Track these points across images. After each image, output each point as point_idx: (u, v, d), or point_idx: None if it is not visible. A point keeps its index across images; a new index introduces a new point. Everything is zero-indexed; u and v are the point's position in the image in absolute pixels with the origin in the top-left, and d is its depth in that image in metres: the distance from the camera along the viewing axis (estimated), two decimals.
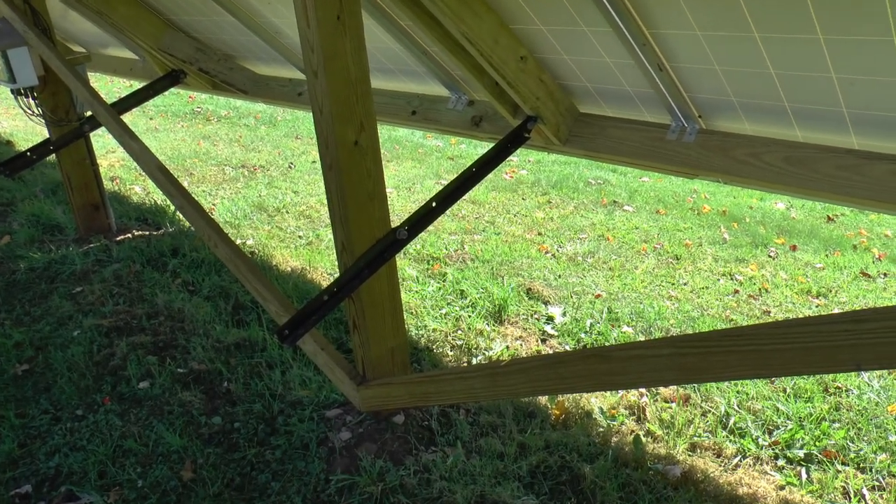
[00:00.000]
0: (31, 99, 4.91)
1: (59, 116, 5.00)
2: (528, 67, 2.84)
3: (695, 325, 4.12)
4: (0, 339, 3.91)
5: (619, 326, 4.05)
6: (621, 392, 3.42)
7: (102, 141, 8.57)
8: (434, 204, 2.93)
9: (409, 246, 5.00)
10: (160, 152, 8.26)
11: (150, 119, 10.60)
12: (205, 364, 3.65)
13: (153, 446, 3.07)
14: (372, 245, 2.81)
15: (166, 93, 11.76)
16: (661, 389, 3.47)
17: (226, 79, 5.03)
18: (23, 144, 8.25)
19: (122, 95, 5.00)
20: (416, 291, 4.48)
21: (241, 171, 7.58)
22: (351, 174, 2.68)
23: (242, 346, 3.82)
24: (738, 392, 3.42)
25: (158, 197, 6.42)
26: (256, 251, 5.18)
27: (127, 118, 10.46)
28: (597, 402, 3.36)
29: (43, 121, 5.00)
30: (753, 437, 3.13)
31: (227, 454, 3.02)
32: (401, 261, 4.96)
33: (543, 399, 3.41)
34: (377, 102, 3.91)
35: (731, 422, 3.21)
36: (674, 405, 3.35)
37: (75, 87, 4.38)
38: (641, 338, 3.90)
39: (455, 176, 2.98)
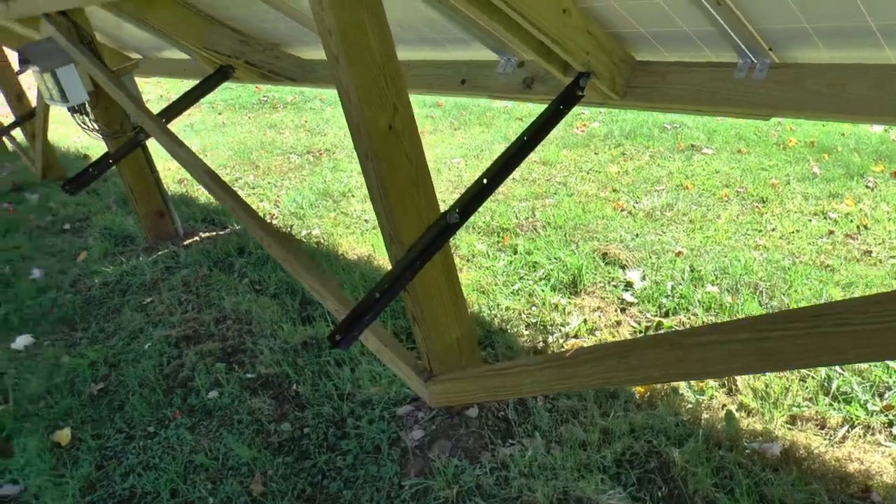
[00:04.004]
0: (84, 115, 4.89)
1: (113, 129, 4.97)
2: (573, 21, 2.58)
3: (786, 275, 3.79)
4: (76, 359, 3.92)
5: (702, 286, 3.77)
6: None
7: None
8: (485, 181, 2.73)
9: (477, 219, 4.81)
10: (227, 147, 8.28)
11: (219, 114, 10.64)
12: (272, 367, 3.56)
13: (223, 459, 2.99)
14: (421, 234, 2.63)
15: (233, 86, 11.85)
16: None
17: (272, 68, 4.91)
18: (97, 157, 8.39)
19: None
20: (487, 268, 4.29)
21: (307, 157, 7.50)
22: (389, 161, 2.49)
23: (310, 344, 3.71)
24: None
25: None
26: (322, 241, 5.07)
27: (196, 115, 10.63)
28: None
29: (100, 135, 4.99)
30: (861, 401, 2.83)
31: (296, 463, 2.92)
32: (469, 236, 4.78)
33: None
34: (425, 75, 3.72)
35: (834, 386, 2.91)
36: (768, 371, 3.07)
37: (120, 99, 4.32)
38: (727, 297, 3.61)
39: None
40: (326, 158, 7.35)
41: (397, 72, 2.42)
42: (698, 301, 3.61)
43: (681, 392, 3.00)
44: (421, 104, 9.21)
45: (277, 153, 7.78)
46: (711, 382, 3.03)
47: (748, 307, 3.50)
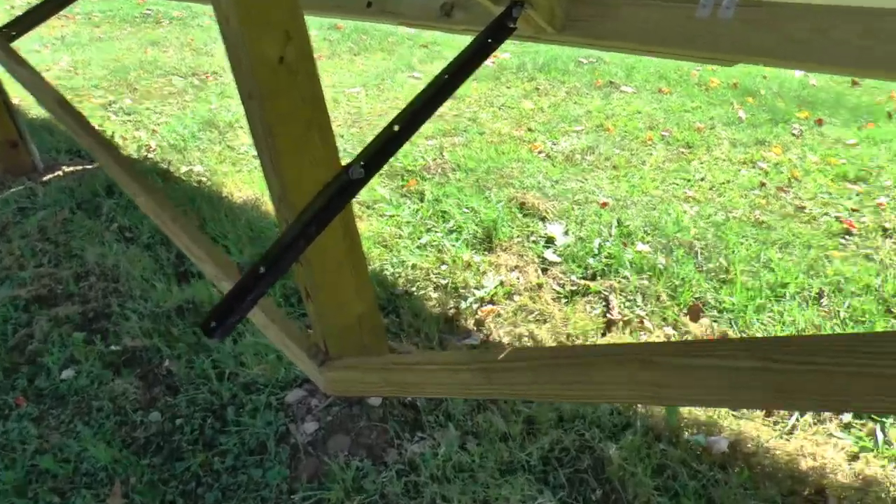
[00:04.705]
0: None
1: None
2: None
3: (720, 232, 3.48)
4: None
5: (632, 244, 3.41)
6: (644, 336, 2.82)
7: (38, 57, 7.71)
8: (396, 128, 2.21)
9: None
10: (102, 65, 7.42)
11: (96, 27, 9.60)
12: (140, 339, 3.03)
13: (76, 462, 2.48)
14: (318, 192, 2.13)
15: None
16: (693, 327, 2.87)
17: None
18: None
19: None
20: (391, 217, 3.82)
21: (191, 80, 6.76)
22: (279, 102, 1.97)
23: (186, 309, 3.19)
24: (785, 325, 2.82)
25: (95, 121, 5.65)
26: (205, 179, 4.48)
27: (69, 27, 9.58)
28: None
29: None
30: None
31: (165, 466, 2.43)
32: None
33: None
34: None
35: None
36: None
37: None
38: (661, 259, 3.26)
39: (429, 77, 2.28)
40: (213, 82, 6.64)
41: None
42: (629, 262, 3.25)
43: None
44: (318, 25, 8.50)
45: (159, 74, 7.00)
46: None
47: (684, 270, 3.16)
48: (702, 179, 4.12)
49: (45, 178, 4.58)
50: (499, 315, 3.03)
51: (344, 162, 2.11)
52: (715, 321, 2.88)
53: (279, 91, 1.95)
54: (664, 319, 2.93)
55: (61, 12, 4.58)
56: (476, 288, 3.19)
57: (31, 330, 3.16)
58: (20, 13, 4.16)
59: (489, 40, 2.28)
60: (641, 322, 2.90)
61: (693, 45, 2.06)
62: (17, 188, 4.46)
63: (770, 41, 1.92)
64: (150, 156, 4.88)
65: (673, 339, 2.81)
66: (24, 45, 8.24)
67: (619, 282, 3.14)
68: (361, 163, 2.09)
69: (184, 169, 4.64)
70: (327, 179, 2.13)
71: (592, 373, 1.54)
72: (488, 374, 1.80)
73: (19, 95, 5.90)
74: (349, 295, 2.40)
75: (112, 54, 7.89)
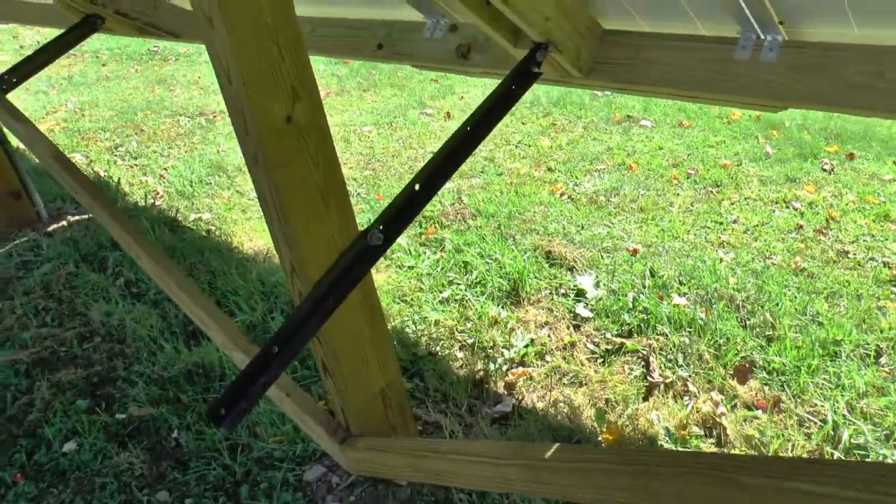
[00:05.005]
0: None
1: None
2: None
3: (760, 281, 3.28)
4: None
5: (667, 295, 3.21)
6: (690, 402, 2.61)
7: (45, 99, 7.60)
8: (417, 187, 2.03)
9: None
10: (109, 106, 7.30)
11: (103, 65, 9.52)
12: (148, 407, 2.83)
13: None
14: (334, 262, 1.94)
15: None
16: (741, 391, 2.66)
17: (150, 21, 4.07)
18: None
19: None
20: (410, 268, 3.63)
21: (199, 120, 6.63)
22: (289, 168, 1.80)
23: (196, 374, 2.99)
24: (843, 388, 2.61)
25: (101, 165, 5.51)
26: (213, 228, 4.31)
27: (77, 66, 9.49)
28: (659, 417, 2.55)
29: None
30: (879, 454, 2.32)
31: None
32: None
33: (588, 415, 2.61)
34: (332, 36, 3.00)
35: (845, 437, 2.39)
36: (761, 413, 2.54)
37: None
38: (700, 314, 3.06)
39: (454, 124, 2.09)
40: (221, 122, 6.49)
41: (297, 39, 1.70)
42: (666, 317, 3.05)
43: (659, 441, 2.44)
44: (325, 60, 8.38)
45: (166, 114, 6.87)
46: (694, 428, 2.46)
47: (727, 326, 2.96)
48: (734, 222, 3.92)
49: (49, 229, 4.42)
50: (531, 378, 2.83)
51: (360, 221, 1.93)
52: (766, 384, 2.67)
53: (288, 155, 1.77)
54: (709, 381, 2.72)
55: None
56: (505, 347, 2.99)
57: (32, 397, 2.97)
58: (30, 52, 4.02)
59: (513, 87, 2.09)
60: (686, 385, 2.70)
61: (734, 89, 1.87)
62: (21, 240, 4.30)
63: (823, 86, 1.72)
64: (157, 203, 4.72)
65: (722, 403, 2.60)
66: (33, 85, 8.16)
67: (658, 339, 2.94)
68: (380, 227, 1.90)
69: (192, 217, 4.47)
70: (344, 247, 1.96)
71: (656, 484, 1.35)
72: (534, 471, 1.61)
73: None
74: (371, 369, 2.21)
75: (119, 94, 7.78)
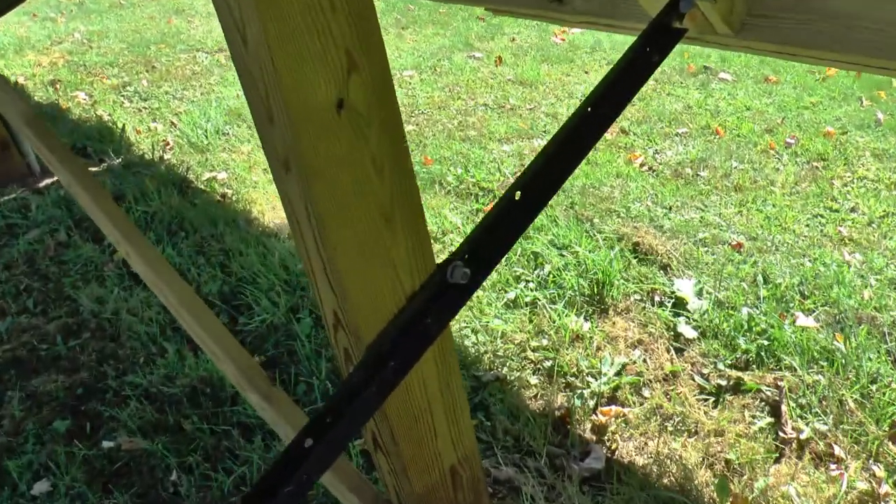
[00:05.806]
0: None
1: None
2: None
3: None
4: None
5: (788, 313, 2.57)
6: (837, 471, 2.00)
7: (52, 27, 6.93)
8: (518, 195, 1.34)
9: (445, 169, 3.50)
10: (119, 37, 6.62)
11: None
12: (139, 439, 2.26)
13: None
14: (399, 311, 1.32)
15: None
16: None
17: None
18: None
19: None
20: None
21: (218, 57, 5.95)
22: (338, 176, 1.12)
23: (203, 393, 2.41)
24: None
25: (106, 107, 4.87)
26: (230, 192, 3.68)
27: None
28: (798, 493, 1.95)
29: None
30: None
31: None
32: (436, 199, 3.46)
33: (704, 480, 2.01)
34: None
35: None
36: None
37: None
38: (837, 342, 2.42)
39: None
40: None
41: None
42: (793, 343, 2.41)
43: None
44: None
45: (181, 49, 6.19)
46: None
47: (873, 363, 2.32)
48: (853, 210, 3.25)
49: (41, 185, 3.81)
50: (625, 421, 2.22)
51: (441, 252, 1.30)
52: None
53: (338, 158, 1.10)
54: (857, 443, 2.10)
55: None
56: (590, 375, 2.37)
57: (0, 414, 2.40)
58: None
59: (647, 49, 1.40)
60: (831, 448, 2.08)
61: None
62: (8, 197, 3.70)
63: None
64: (165, 157, 4.08)
65: (880, 476, 1.99)
66: (41, 11, 7.48)
67: (785, 377, 2.31)
68: (465, 256, 1.26)
69: (206, 176, 3.84)
70: (414, 288, 1.33)
71: None
72: None
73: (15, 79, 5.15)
74: (440, 442, 1.61)
75: (132, 24, 7.09)
